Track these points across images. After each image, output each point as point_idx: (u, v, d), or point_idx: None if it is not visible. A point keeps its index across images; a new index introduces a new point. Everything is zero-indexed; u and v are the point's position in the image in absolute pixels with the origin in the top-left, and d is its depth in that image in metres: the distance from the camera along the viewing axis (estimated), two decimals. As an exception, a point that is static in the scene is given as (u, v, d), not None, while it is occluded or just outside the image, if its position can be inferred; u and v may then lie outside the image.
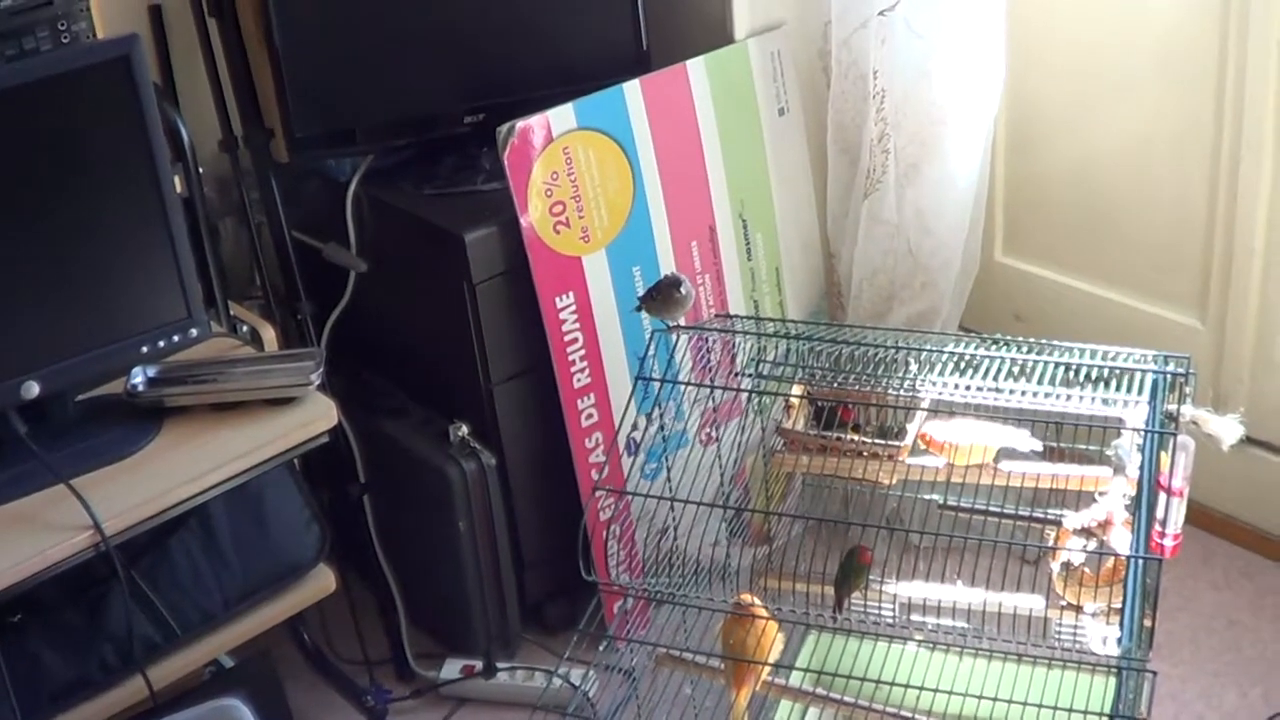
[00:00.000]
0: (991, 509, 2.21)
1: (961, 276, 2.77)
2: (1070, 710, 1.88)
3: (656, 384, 2.24)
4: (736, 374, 2.29)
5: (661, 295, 2.25)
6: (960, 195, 2.67)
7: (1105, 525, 2.09)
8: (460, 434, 2.53)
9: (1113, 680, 1.91)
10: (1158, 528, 1.98)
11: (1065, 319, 2.89)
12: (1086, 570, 2.10)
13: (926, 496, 2.25)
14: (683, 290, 2.22)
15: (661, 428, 2.36)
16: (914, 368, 2.17)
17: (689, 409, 2.52)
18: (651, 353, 2.25)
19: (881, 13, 2.57)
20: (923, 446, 2.20)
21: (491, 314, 2.47)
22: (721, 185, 2.68)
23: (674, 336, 2.28)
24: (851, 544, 2.24)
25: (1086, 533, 2.10)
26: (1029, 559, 2.19)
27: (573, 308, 2.50)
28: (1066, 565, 2.11)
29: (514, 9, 2.57)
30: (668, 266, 2.60)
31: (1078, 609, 2.12)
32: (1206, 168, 2.60)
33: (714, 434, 2.46)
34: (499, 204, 2.45)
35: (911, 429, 2.22)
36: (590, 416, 2.56)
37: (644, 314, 2.51)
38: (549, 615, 2.72)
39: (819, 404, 2.33)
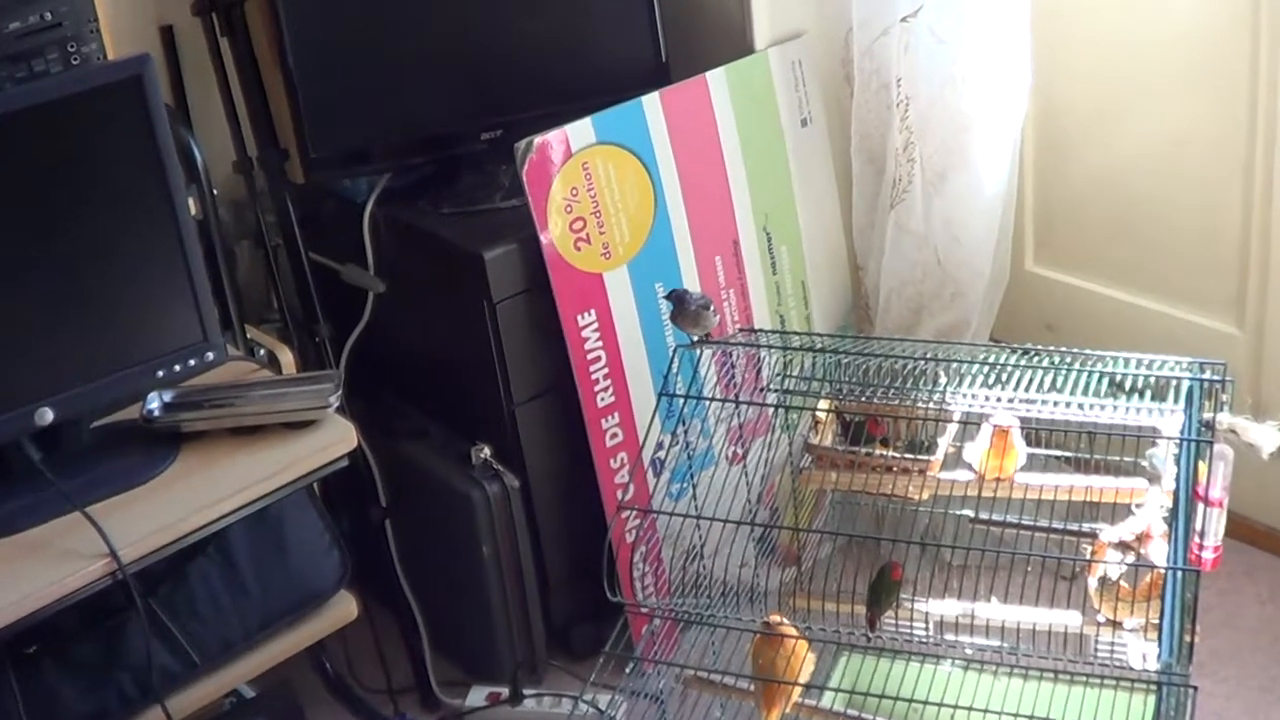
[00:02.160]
0: (1025, 523, 2.20)
1: (991, 287, 2.76)
2: (1110, 728, 1.87)
3: (680, 400, 2.25)
4: (762, 389, 2.29)
5: (689, 308, 2.26)
6: (988, 204, 2.66)
7: (1143, 538, 2.08)
8: (482, 456, 2.53)
9: (1153, 698, 1.89)
10: (1196, 539, 1.97)
11: (1098, 328, 2.88)
12: (1124, 585, 2.09)
13: (958, 512, 2.24)
14: (710, 309, 2.24)
15: (687, 446, 2.38)
16: (944, 380, 2.17)
17: (714, 426, 2.51)
18: (675, 369, 2.26)
19: (904, 19, 2.56)
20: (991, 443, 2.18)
21: (512, 333, 2.47)
22: (744, 198, 2.68)
23: (698, 352, 2.28)
24: (883, 562, 2.23)
25: (1124, 546, 2.09)
26: (1065, 574, 2.18)
27: (595, 325, 2.50)
28: (1103, 580, 2.09)
29: (530, 23, 2.57)
30: (691, 282, 2.60)
31: (1116, 625, 2.11)
32: (1241, 169, 2.59)
33: (740, 451, 2.45)
34: (518, 221, 2.46)
35: (942, 441, 2.22)
36: (615, 436, 2.56)
37: (667, 329, 2.51)
38: (575, 639, 2.70)
39: (847, 419, 2.33)
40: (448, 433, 2.64)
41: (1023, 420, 2.12)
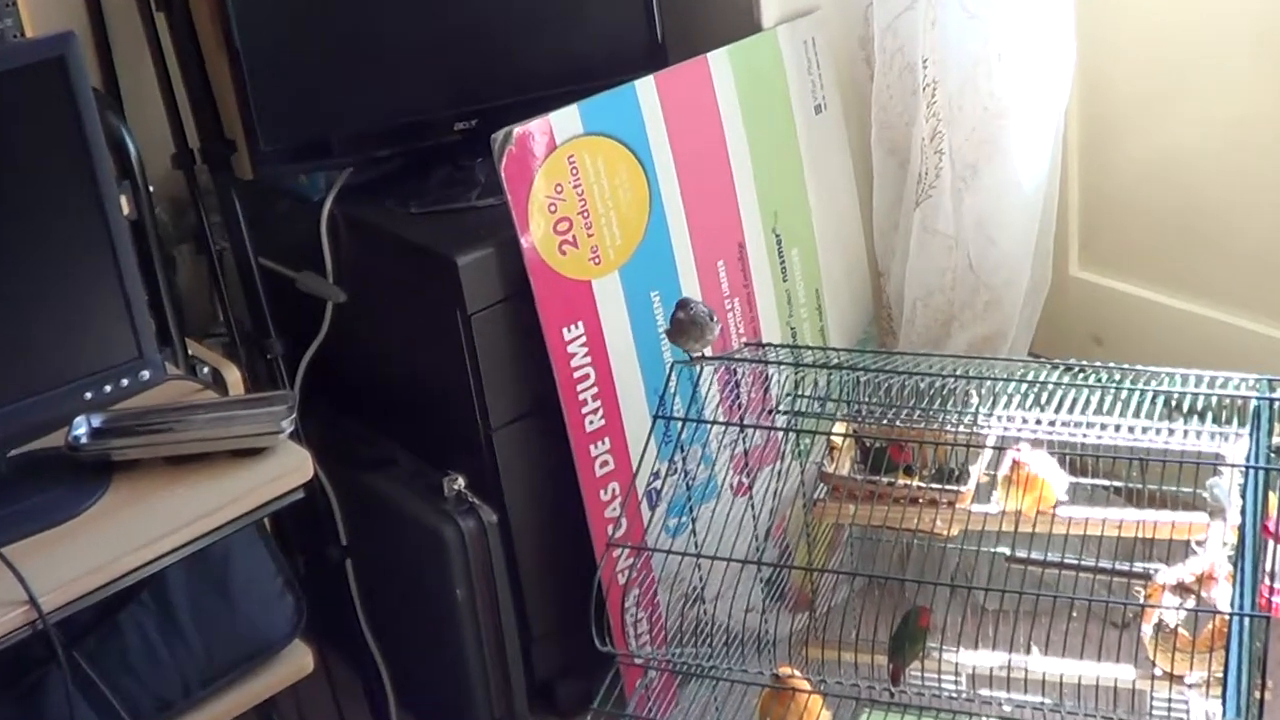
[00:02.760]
0: (1070, 563, 2.20)
1: (1031, 294, 2.77)
2: (1168, 797, 1.86)
3: (679, 423, 2.25)
4: (771, 411, 2.30)
5: (690, 319, 2.26)
6: (1027, 200, 2.66)
7: (1205, 580, 2.09)
8: (456, 487, 2.52)
9: (1217, 761, 1.88)
10: (1266, 581, 1.97)
11: (1152, 341, 2.88)
12: (1184, 633, 2.10)
13: (994, 549, 2.25)
14: (713, 320, 2.25)
15: (686, 475, 2.39)
16: (976, 400, 2.18)
17: (717, 452, 2.51)
18: (673, 388, 2.26)
19: (931, -9, 2.58)
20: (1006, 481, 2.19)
21: (490, 348, 2.46)
22: (751, 196, 2.68)
23: (698, 369, 2.28)
24: (908, 606, 2.25)
25: (1183, 589, 2.10)
26: (1116, 621, 2.21)
27: (583, 339, 2.50)
28: (1160, 627, 2.10)
29: (510, -1, 2.59)
30: (690, 290, 2.60)
31: (1175, 679, 2.11)
32: (1314, 162, 2.59)
33: (746, 481, 2.45)
34: (496, 222, 2.45)
35: (974, 469, 2.23)
36: (605, 464, 2.56)
37: (664, 344, 2.54)
38: (560, 694, 2.70)
39: (867, 444, 2.35)
40: (416, 461, 2.64)
41: (1067, 446, 2.12)
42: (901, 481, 2.25)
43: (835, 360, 2.30)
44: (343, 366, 2.68)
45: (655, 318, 2.55)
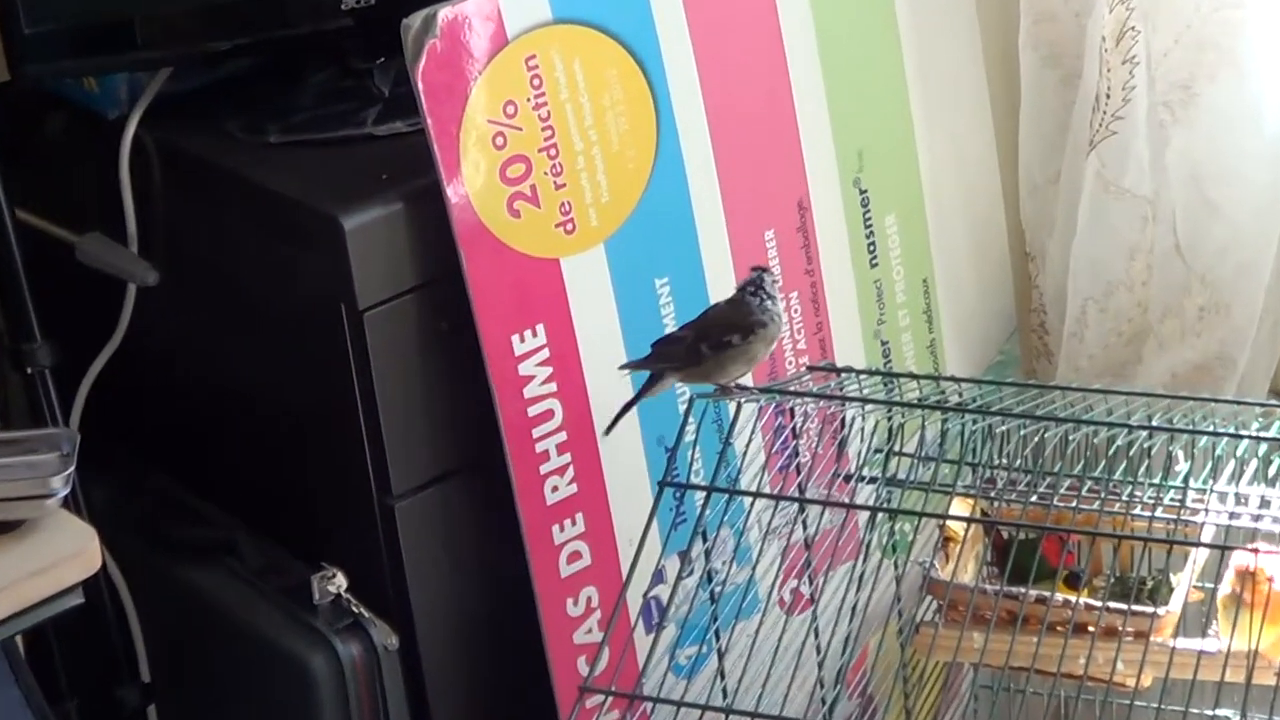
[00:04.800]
0: None
1: (1276, 296, 2.76)
2: None
3: (698, 495, 2.24)
4: (849, 478, 2.31)
5: (711, 333, 2.27)
6: (1272, 144, 2.67)
7: None
8: (333, 590, 2.52)
9: None
10: None
11: None
12: None
13: (1212, 710, 2.23)
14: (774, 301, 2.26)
15: (709, 578, 2.37)
16: (1185, 468, 2.19)
17: (760, 543, 2.47)
18: (689, 436, 2.26)
19: None
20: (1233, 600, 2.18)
21: (392, 366, 2.47)
22: (821, 127, 2.71)
23: (731, 406, 2.28)
24: None
25: None
26: None
27: (544, 354, 2.50)
28: None
29: None
30: (722, 280, 2.61)
31: None
32: None
33: (806, 591, 2.46)
34: (407, 161, 2.47)
35: (1182, 580, 2.22)
36: (577, 558, 2.57)
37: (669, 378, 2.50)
38: None
39: (1004, 535, 2.37)
40: (268, 547, 2.65)
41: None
42: (1061, 597, 2.23)
43: (953, 397, 2.32)
44: (152, 391, 2.70)
45: (662, 320, 2.55)
